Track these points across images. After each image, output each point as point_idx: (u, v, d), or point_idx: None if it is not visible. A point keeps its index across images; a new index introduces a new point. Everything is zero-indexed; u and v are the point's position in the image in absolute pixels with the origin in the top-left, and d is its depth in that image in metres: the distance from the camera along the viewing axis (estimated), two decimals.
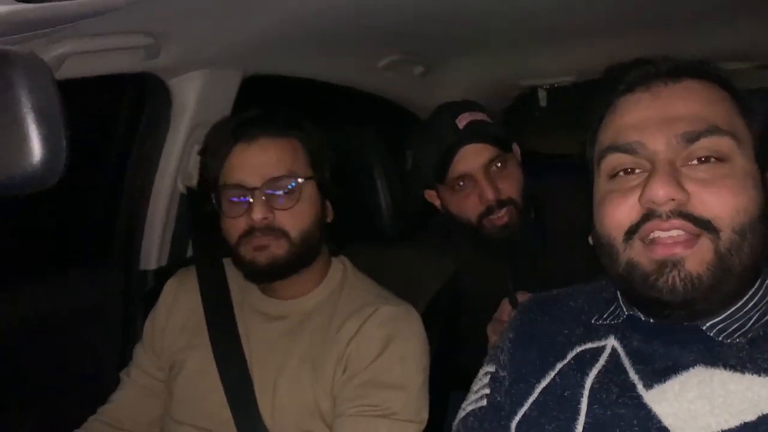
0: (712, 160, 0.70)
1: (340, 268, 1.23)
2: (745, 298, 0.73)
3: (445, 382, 1.27)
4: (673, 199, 0.69)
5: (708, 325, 0.73)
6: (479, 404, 0.88)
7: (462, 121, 1.39)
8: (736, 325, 0.73)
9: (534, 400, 0.81)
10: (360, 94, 1.74)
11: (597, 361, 0.79)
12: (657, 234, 0.70)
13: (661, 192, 0.69)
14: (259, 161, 1.11)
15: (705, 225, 0.69)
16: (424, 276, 1.41)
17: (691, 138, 0.71)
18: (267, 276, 1.14)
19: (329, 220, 1.19)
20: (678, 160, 0.72)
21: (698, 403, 0.70)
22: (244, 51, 1.30)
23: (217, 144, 1.14)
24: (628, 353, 0.77)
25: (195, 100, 1.34)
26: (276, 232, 1.10)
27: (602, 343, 0.80)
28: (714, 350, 0.72)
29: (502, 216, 1.35)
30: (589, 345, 0.81)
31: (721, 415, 0.68)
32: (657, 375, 0.73)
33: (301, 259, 1.13)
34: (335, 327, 1.13)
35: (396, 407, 1.07)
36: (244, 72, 1.41)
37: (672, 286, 0.70)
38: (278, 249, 1.10)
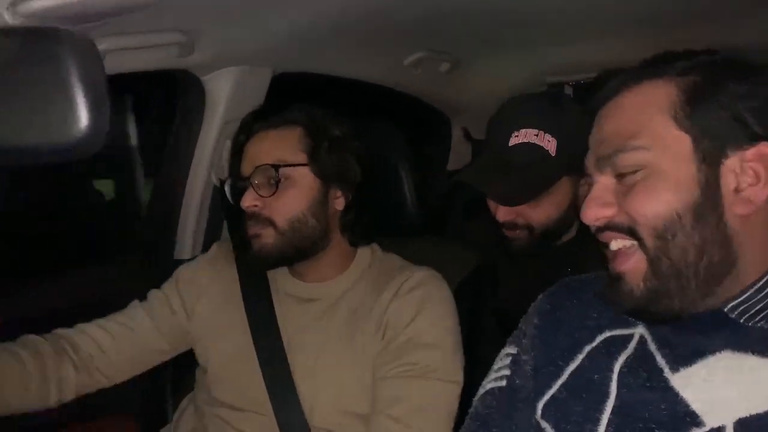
0: (628, 174, 0.75)
1: (368, 251, 1.26)
2: (765, 279, 0.72)
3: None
4: (603, 218, 0.78)
5: (729, 306, 0.73)
6: (498, 384, 0.90)
7: (514, 140, 1.25)
8: (758, 307, 0.72)
9: (563, 383, 0.82)
10: (387, 91, 1.77)
11: (626, 347, 0.80)
12: (607, 248, 0.79)
13: (586, 216, 0.79)
14: (253, 152, 1.16)
15: (629, 232, 0.75)
16: (446, 268, 1.43)
17: (607, 159, 0.77)
18: (262, 263, 1.17)
19: (339, 208, 1.19)
20: (610, 177, 0.78)
21: (726, 388, 0.70)
22: (275, 48, 1.34)
23: (234, 140, 1.23)
24: (656, 340, 0.78)
25: (227, 96, 1.39)
26: (263, 220, 1.13)
27: (631, 331, 0.81)
28: (742, 336, 0.72)
29: (512, 234, 1.29)
30: (618, 331, 0.82)
31: (751, 401, 0.69)
32: (683, 359, 0.74)
33: (294, 247, 1.15)
34: (372, 298, 1.17)
35: (434, 365, 1.09)
36: (275, 69, 1.45)
37: (616, 299, 0.78)
38: (267, 238, 1.13)
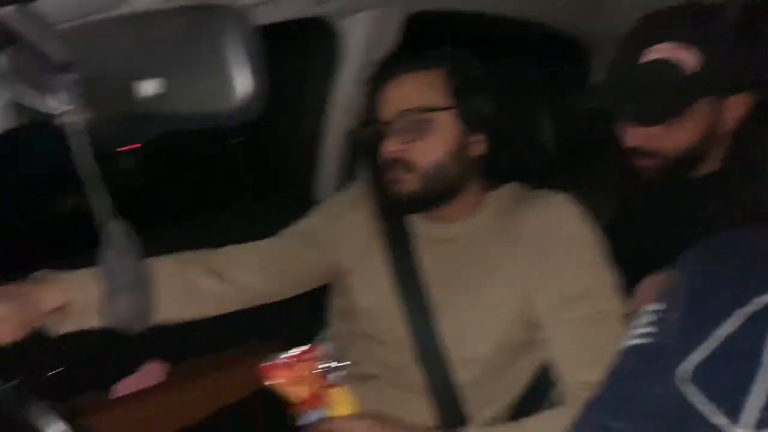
0: None
1: (502, 189, 1.25)
2: None
3: None
4: None
5: None
6: (640, 341, 0.86)
7: (648, 55, 1.13)
8: None
9: (711, 348, 0.78)
10: (523, 25, 1.69)
11: None
12: None
13: None
14: (394, 96, 1.14)
15: None
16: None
17: None
18: (401, 208, 1.19)
19: (478, 153, 1.18)
20: None
21: None
22: None
23: (369, 84, 1.21)
24: None
25: (362, 40, 1.40)
26: (404, 165, 1.13)
27: None
28: None
29: (641, 163, 1.20)
30: None
31: None
32: None
33: (434, 192, 1.14)
34: (515, 228, 1.16)
35: (609, 306, 1.08)
36: (409, 9, 1.44)
37: None
38: (407, 183, 1.13)
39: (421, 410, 1.16)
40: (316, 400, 1.03)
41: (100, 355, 1.36)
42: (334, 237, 1.29)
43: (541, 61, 1.49)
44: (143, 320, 0.70)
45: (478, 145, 1.18)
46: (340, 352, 1.26)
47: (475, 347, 1.15)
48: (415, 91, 1.14)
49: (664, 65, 1.11)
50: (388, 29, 1.43)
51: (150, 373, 1.49)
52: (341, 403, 1.04)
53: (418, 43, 1.23)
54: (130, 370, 1.48)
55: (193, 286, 1.13)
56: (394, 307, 1.20)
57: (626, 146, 1.21)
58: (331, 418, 1.04)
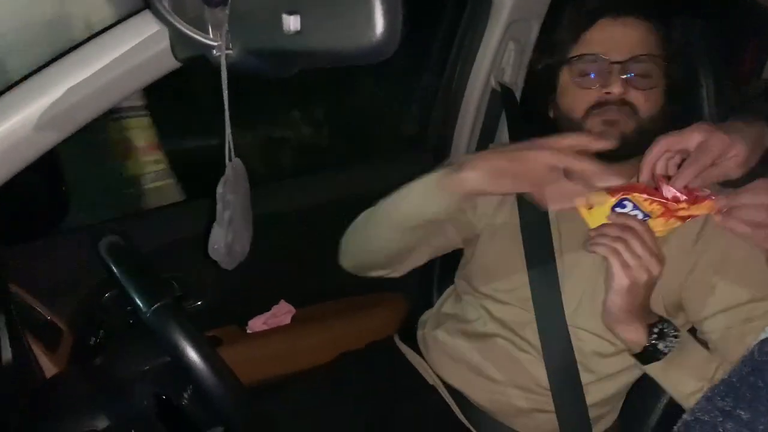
0: None
1: None
2: None
3: None
4: None
5: None
6: None
7: None
8: None
9: None
10: None
11: None
12: None
13: None
14: (624, 38, 1.10)
15: None
16: None
17: None
18: (619, 150, 1.10)
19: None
20: None
21: None
22: None
23: (577, 17, 1.16)
24: None
25: None
26: (629, 108, 1.09)
27: None
28: None
29: None
30: None
31: None
32: None
33: (644, 142, 1.07)
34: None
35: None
36: None
37: None
38: (628, 126, 1.09)
39: (537, 372, 1.16)
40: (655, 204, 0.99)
41: (237, 292, 1.46)
42: (473, 203, 1.27)
43: (718, 17, 1.35)
44: (234, 259, 0.72)
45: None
46: (463, 309, 1.27)
47: (597, 321, 1.09)
48: (647, 37, 1.11)
49: None
50: None
51: (280, 313, 1.59)
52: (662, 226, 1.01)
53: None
54: (263, 308, 1.58)
55: None
56: (517, 270, 1.17)
57: None
58: (641, 223, 0.99)
